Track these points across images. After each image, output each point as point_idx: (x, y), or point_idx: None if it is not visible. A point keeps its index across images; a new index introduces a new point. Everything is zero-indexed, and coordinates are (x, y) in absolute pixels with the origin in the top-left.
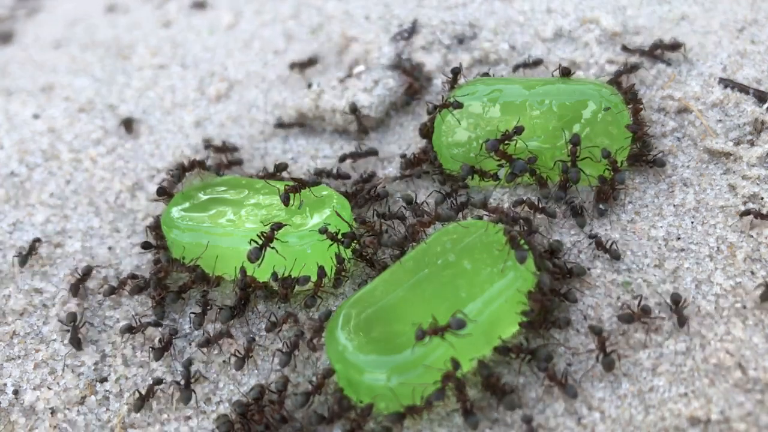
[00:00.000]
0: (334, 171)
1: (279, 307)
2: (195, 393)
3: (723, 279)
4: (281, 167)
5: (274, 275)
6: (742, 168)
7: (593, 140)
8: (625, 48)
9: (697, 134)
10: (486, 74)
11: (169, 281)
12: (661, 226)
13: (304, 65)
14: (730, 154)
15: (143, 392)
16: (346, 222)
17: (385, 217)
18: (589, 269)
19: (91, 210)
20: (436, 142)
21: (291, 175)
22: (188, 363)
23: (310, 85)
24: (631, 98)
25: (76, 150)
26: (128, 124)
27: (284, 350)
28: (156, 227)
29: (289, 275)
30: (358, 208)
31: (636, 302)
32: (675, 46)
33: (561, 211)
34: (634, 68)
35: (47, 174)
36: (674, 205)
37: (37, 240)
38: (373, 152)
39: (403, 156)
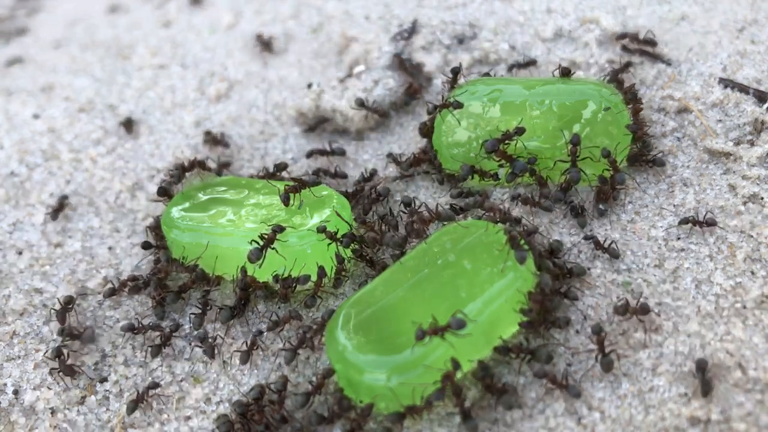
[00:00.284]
0: (332, 170)
1: (279, 307)
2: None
3: (723, 279)
4: (281, 167)
5: (276, 276)
6: (742, 168)
7: (593, 140)
8: (624, 48)
9: (697, 134)
10: (487, 74)
11: (169, 281)
12: (661, 226)
13: (313, 128)
14: (730, 154)
15: (138, 394)
16: (346, 222)
17: (384, 218)
18: (589, 269)
19: (91, 210)
20: (436, 142)
21: (291, 175)
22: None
23: (310, 85)
24: (631, 98)
25: (76, 150)
26: (128, 125)
27: (288, 347)
28: (156, 227)
29: (289, 275)
30: (363, 214)
31: (636, 299)
32: (650, 42)
33: (561, 211)
34: (627, 66)
35: (47, 174)
36: (674, 205)
37: (65, 197)
38: (340, 152)
39: (390, 155)
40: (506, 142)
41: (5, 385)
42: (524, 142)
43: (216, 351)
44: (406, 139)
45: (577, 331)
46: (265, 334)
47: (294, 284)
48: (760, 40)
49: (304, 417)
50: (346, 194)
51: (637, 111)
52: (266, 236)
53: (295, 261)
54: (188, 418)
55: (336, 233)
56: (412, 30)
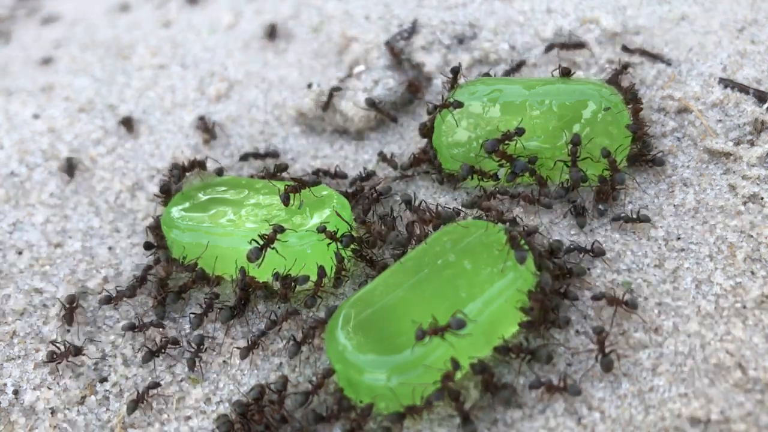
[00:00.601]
0: (332, 170)
1: (279, 307)
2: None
3: (723, 279)
4: (281, 167)
5: (276, 275)
6: (742, 168)
7: (593, 140)
8: (625, 48)
9: (697, 134)
10: (487, 74)
11: (169, 280)
12: (661, 226)
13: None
14: (730, 154)
15: (138, 394)
16: (346, 222)
17: (383, 218)
18: (589, 269)
19: (91, 210)
20: (436, 142)
21: (291, 175)
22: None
23: (310, 85)
24: (631, 98)
25: (76, 150)
26: (128, 123)
27: (293, 342)
28: (156, 227)
29: (289, 275)
30: (363, 214)
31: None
32: (578, 45)
33: (562, 211)
34: (625, 67)
35: (47, 174)
36: (674, 205)
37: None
38: (274, 154)
39: (380, 154)
40: (506, 142)
41: (5, 385)
42: (524, 142)
43: (197, 363)
44: (406, 139)
45: (577, 331)
46: (264, 333)
47: (294, 284)
48: (760, 40)
49: (303, 416)
50: (346, 194)
51: (637, 111)
52: (266, 236)
53: (295, 261)
54: (188, 418)
55: (336, 233)
56: (412, 30)
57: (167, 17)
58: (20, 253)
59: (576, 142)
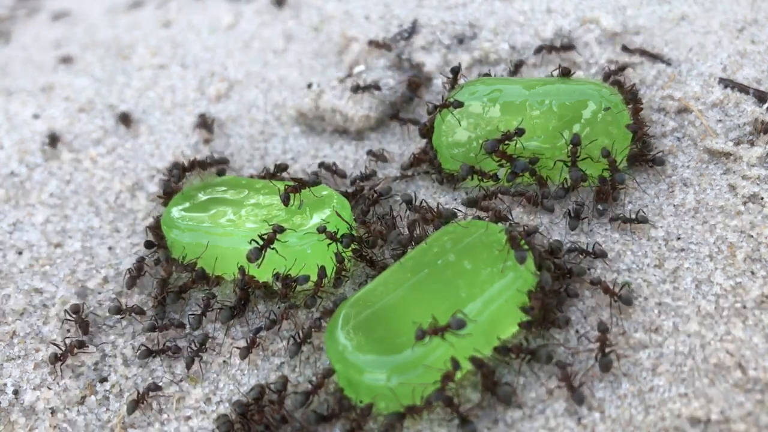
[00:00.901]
0: (333, 167)
1: (279, 307)
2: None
3: (723, 279)
4: (281, 167)
5: (276, 275)
6: (742, 168)
7: (593, 140)
8: (625, 48)
9: (697, 134)
10: (487, 74)
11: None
12: (661, 226)
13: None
14: (730, 154)
15: (138, 394)
16: (346, 222)
17: (383, 218)
18: (589, 269)
19: (91, 210)
20: (436, 142)
21: (291, 175)
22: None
23: (310, 85)
24: (631, 98)
25: (76, 150)
26: (125, 119)
27: (294, 340)
28: (156, 227)
29: (289, 275)
30: (362, 214)
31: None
32: (567, 47)
33: (561, 211)
34: (621, 69)
35: (47, 174)
36: (674, 205)
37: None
38: (223, 161)
39: (370, 152)
40: (506, 142)
41: (5, 385)
42: (524, 143)
43: (197, 363)
44: (406, 139)
45: (577, 331)
46: (263, 333)
47: (294, 284)
48: (760, 40)
49: (303, 416)
50: (346, 194)
51: (637, 111)
52: (266, 236)
53: (295, 261)
54: (188, 418)
55: (336, 233)
56: (412, 30)
57: (167, 17)
58: (20, 253)
59: (576, 142)
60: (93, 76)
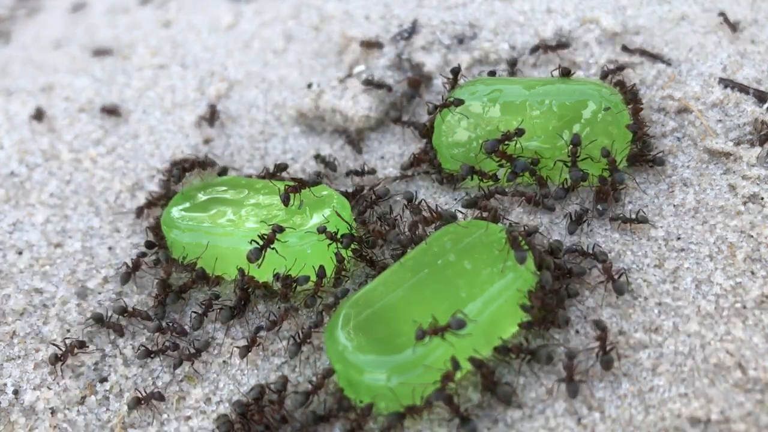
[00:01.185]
0: (329, 159)
1: (279, 307)
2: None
3: (723, 279)
4: (281, 167)
5: (276, 275)
6: (742, 168)
7: (593, 140)
8: (625, 48)
9: (697, 134)
10: (493, 72)
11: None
12: (661, 226)
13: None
14: (730, 154)
15: (140, 396)
16: (346, 222)
17: (382, 218)
18: (589, 270)
19: (91, 210)
20: (436, 142)
21: (291, 175)
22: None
23: (310, 85)
24: (631, 98)
25: (76, 150)
26: (112, 111)
27: (294, 340)
28: (156, 227)
29: (289, 275)
30: (358, 214)
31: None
32: (563, 45)
33: (562, 211)
34: (620, 69)
35: (47, 174)
36: (674, 205)
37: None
38: (211, 163)
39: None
40: (506, 142)
41: (5, 385)
42: (524, 143)
43: (190, 367)
44: (406, 139)
45: (577, 331)
46: (264, 334)
47: (294, 284)
48: (760, 40)
49: (302, 416)
50: (346, 194)
51: (637, 111)
52: (266, 236)
53: (295, 261)
54: (188, 418)
55: (336, 233)
56: (412, 30)
57: (167, 17)
58: (20, 253)
59: (576, 142)
60: (93, 76)
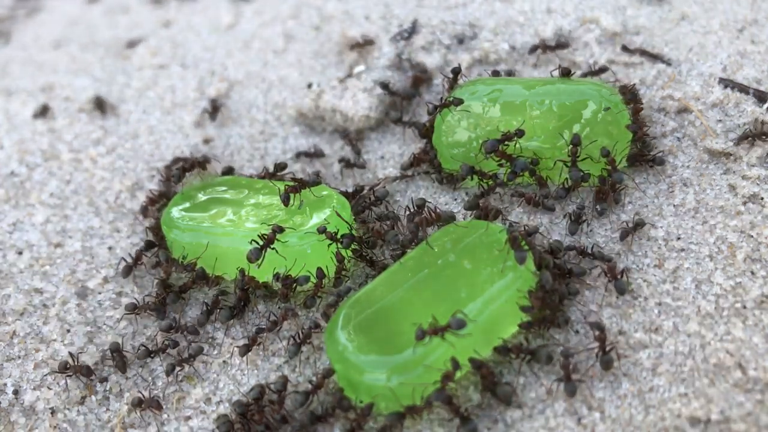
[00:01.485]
0: (311, 150)
1: (279, 307)
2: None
3: (723, 279)
4: (281, 167)
5: (276, 275)
6: (742, 168)
7: (593, 140)
8: (625, 48)
9: (697, 134)
10: (496, 72)
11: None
12: (661, 226)
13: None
14: (730, 154)
15: (141, 398)
16: (346, 222)
17: (381, 218)
18: (589, 270)
19: (91, 210)
20: (436, 142)
21: (291, 175)
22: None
23: (310, 85)
24: (631, 98)
25: (76, 150)
26: (100, 104)
27: (294, 340)
28: (156, 227)
29: (289, 275)
30: (355, 214)
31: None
32: (562, 45)
33: (562, 211)
34: (602, 70)
35: (47, 174)
36: (674, 205)
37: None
38: (205, 160)
39: (342, 160)
40: (506, 143)
41: (5, 385)
42: (524, 143)
43: (177, 372)
44: (406, 139)
45: (577, 332)
46: (264, 334)
47: (294, 284)
48: (760, 40)
49: (301, 416)
50: (346, 194)
51: (637, 111)
52: (266, 236)
53: (295, 261)
54: (188, 418)
55: (336, 233)
56: (412, 30)
57: (167, 17)
58: (20, 253)
59: (576, 142)
60: (93, 76)
